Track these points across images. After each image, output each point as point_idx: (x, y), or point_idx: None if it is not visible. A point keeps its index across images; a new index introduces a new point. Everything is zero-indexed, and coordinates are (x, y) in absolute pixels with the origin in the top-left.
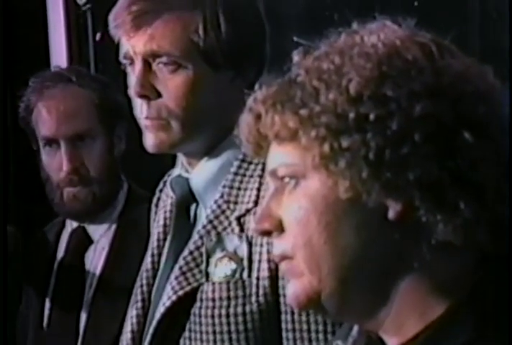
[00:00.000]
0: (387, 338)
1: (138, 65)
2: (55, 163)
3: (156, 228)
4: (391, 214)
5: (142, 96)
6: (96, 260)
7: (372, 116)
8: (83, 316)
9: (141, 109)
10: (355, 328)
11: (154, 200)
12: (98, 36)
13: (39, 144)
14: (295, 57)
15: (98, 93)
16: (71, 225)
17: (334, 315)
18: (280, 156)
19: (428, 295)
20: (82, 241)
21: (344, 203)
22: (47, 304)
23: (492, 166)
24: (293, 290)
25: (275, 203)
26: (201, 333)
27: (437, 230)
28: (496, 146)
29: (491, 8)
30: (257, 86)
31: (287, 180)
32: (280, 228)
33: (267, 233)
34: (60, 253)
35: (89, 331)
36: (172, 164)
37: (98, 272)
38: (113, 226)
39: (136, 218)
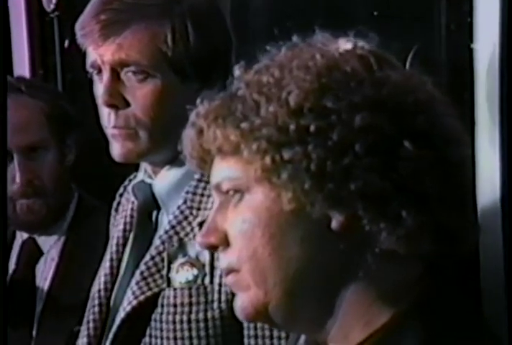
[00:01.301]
0: None
1: (106, 74)
2: (9, 176)
3: (116, 233)
4: (335, 225)
5: (110, 105)
6: (46, 272)
7: (312, 128)
8: (35, 326)
9: (108, 118)
10: (302, 336)
11: (114, 204)
12: (66, 43)
13: None
14: (237, 71)
15: (48, 104)
16: (21, 236)
17: (281, 326)
18: (224, 170)
19: (373, 304)
20: (32, 253)
21: (287, 214)
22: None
23: (435, 175)
24: (240, 303)
25: (220, 217)
26: (162, 338)
27: (381, 239)
28: (439, 156)
29: (450, 20)
30: (198, 101)
31: (231, 193)
32: (226, 242)
33: (213, 247)
34: (12, 265)
35: (40, 341)
36: (125, 171)
37: (47, 284)
38: (63, 237)
39: (85, 229)
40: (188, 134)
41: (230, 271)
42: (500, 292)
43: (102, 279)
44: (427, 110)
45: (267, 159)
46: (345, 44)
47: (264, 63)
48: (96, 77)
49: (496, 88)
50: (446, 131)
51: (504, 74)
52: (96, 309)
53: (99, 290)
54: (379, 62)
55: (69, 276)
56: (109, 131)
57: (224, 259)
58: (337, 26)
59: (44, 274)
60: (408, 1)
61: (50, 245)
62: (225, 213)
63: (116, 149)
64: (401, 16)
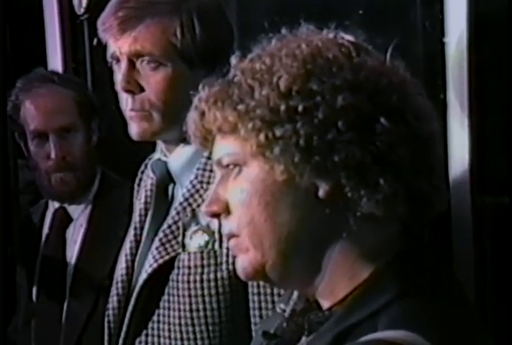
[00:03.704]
0: (322, 300)
1: (124, 63)
2: (43, 153)
3: (138, 205)
4: (321, 193)
5: (127, 91)
6: (75, 236)
7: (300, 108)
8: (67, 287)
9: (126, 102)
10: (295, 292)
11: (137, 180)
12: (95, 41)
13: (26, 138)
14: (233, 60)
15: (77, 92)
16: (53, 206)
17: (277, 283)
18: (224, 147)
19: (356, 261)
20: (63, 219)
21: (280, 184)
22: (36, 277)
23: (407, 147)
24: (240, 264)
25: (221, 188)
26: (179, 296)
27: (361, 204)
28: (412, 130)
29: (425, 18)
30: (200, 87)
31: (231, 167)
32: (227, 210)
33: (215, 215)
34: (45, 230)
35: (73, 302)
36: (143, 151)
37: (77, 246)
38: (90, 206)
39: (108, 199)
40: (192, 116)
41: (231, 236)
42: (469, 249)
43: (128, 245)
44: (400, 90)
45: (261, 137)
46: (327, 35)
47: (257, 53)
48: (115, 67)
49: (465, 75)
50: (417, 109)
51: (471, 64)
52: (124, 271)
53: (126, 255)
54: (357, 49)
55: (96, 239)
56: (127, 113)
57: (226, 226)
58: (327, 22)
59: (74, 238)
60: (389, 2)
61: (79, 213)
62: (225, 185)
63: (134, 129)
64: (383, 15)
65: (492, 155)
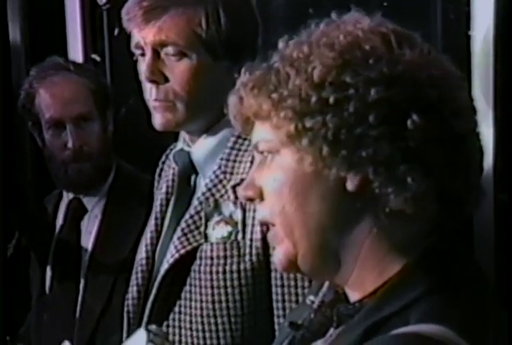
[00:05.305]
0: (351, 292)
1: (148, 53)
2: (59, 142)
3: (159, 195)
4: (349, 186)
5: (151, 81)
6: (90, 227)
7: (331, 100)
8: (82, 278)
9: (150, 92)
10: (326, 284)
11: (158, 171)
12: (116, 31)
13: (41, 127)
14: (280, 44)
15: (92, 81)
16: (68, 196)
17: (308, 274)
18: (260, 132)
19: (386, 256)
20: (78, 210)
21: (309, 176)
22: (48, 269)
23: (442, 145)
24: (277, 256)
25: (258, 173)
26: (200, 287)
27: (390, 200)
28: (448, 127)
29: (449, 9)
30: (243, 70)
31: (266, 154)
32: (261, 196)
33: (250, 199)
34: (59, 221)
35: (88, 293)
36: (160, 143)
37: (92, 237)
38: (105, 197)
39: (124, 191)
40: (232, 100)
41: (265, 223)
42: (490, 246)
43: (148, 235)
44: (440, 84)
45: (292, 127)
46: (372, 22)
47: (300, 39)
48: (139, 57)
49: (490, 70)
50: (456, 104)
51: (498, 58)
52: (144, 261)
53: (146, 245)
54: (398, 40)
55: (111, 230)
56: (151, 103)
57: (260, 212)
58: None
59: (89, 229)
60: None
61: (93, 204)
62: (261, 170)
63: (157, 119)
64: (407, 7)
65: None
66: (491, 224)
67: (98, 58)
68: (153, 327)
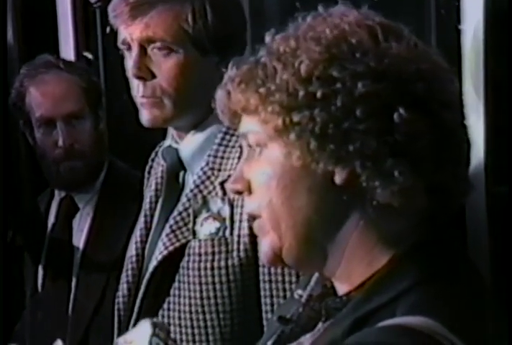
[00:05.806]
0: (339, 285)
1: (135, 50)
2: (50, 141)
3: (148, 192)
4: (337, 180)
5: (138, 77)
6: (82, 225)
7: (319, 94)
8: (74, 276)
9: (137, 89)
10: (313, 278)
11: (147, 168)
12: (108, 29)
13: (32, 126)
14: (266, 37)
15: (83, 78)
16: (59, 194)
17: (294, 267)
18: (249, 124)
19: (374, 248)
20: (70, 208)
21: (297, 169)
22: (41, 267)
23: (430, 139)
24: (263, 248)
25: (246, 167)
26: (189, 283)
27: (377, 193)
28: (436, 121)
29: (441, 5)
30: (230, 65)
31: (254, 147)
32: (250, 189)
33: (238, 192)
34: (51, 219)
35: (80, 291)
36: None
37: (84, 235)
38: (96, 195)
39: (116, 188)
40: (219, 95)
41: (253, 216)
42: (483, 238)
43: (138, 232)
44: (428, 78)
45: (279, 121)
46: (358, 15)
47: (286, 33)
48: (126, 53)
49: (481, 64)
50: (445, 97)
51: (488, 52)
52: (134, 259)
53: (136, 242)
54: (385, 33)
55: (103, 228)
56: (138, 100)
57: (248, 205)
58: None
59: (81, 227)
60: None
61: (85, 202)
62: (250, 164)
63: (145, 116)
64: (398, 2)
65: (507, 144)
66: (483, 217)
67: (90, 56)
68: (159, 320)
